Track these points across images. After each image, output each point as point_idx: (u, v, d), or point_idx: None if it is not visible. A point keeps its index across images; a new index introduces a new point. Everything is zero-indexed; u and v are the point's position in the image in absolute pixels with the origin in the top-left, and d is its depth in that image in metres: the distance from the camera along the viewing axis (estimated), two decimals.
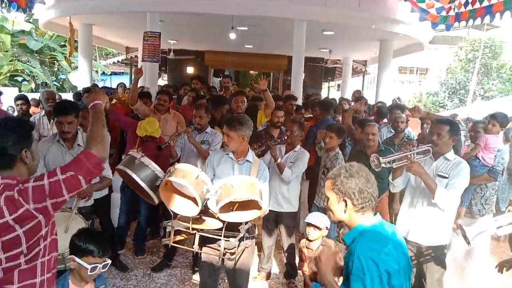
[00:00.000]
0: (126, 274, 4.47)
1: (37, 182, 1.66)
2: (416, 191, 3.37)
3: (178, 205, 2.82)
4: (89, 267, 2.22)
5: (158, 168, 2.77)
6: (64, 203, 1.75)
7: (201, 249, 3.05)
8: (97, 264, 2.25)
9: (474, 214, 4.60)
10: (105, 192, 4.16)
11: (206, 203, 2.80)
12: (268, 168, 4.37)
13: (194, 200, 2.67)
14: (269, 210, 4.36)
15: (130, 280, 4.36)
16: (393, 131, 5.59)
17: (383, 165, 3.14)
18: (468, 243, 2.38)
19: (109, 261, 2.34)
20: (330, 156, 4.49)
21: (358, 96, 8.10)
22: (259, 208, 2.71)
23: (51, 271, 1.84)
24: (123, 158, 3.08)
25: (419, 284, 3.41)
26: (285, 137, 4.39)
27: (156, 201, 2.82)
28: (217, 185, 2.70)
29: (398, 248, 1.87)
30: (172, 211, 2.82)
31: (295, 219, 4.58)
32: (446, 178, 3.20)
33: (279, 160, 4.13)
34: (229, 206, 2.76)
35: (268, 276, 4.55)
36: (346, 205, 1.90)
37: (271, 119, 5.01)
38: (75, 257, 2.24)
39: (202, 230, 2.87)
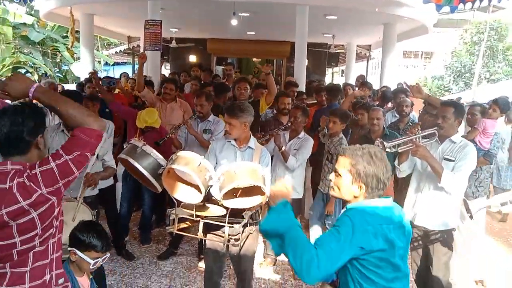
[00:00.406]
0: (132, 262, 4.51)
1: (44, 167, 1.66)
2: (423, 176, 3.34)
3: (181, 193, 2.82)
4: (91, 261, 2.23)
5: (160, 156, 2.76)
6: (75, 179, 1.76)
7: (205, 236, 3.05)
8: (99, 259, 2.26)
9: (468, 196, 4.59)
10: (110, 181, 4.17)
11: (209, 190, 2.80)
12: (272, 156, 4.39)
13: (197, 187, 2.66)
14: None
15: (136, 269, 4.39)
16: (397, 115, 5.55)
17: (388, 149, 3.12)
18: (471, 216, 2.34)
19: (108, 255, 2.35)
20: (334, 142, 4.46)
21: (362, 81, 8.03)
22: (263, 193, 2.70)
23: (60, 250, 1.86)
24: (124, 147, 3.08)
25: (425, 268, 3.41)
26: (289, 124, 4.36)
27: (159, 189, 2.82)
28: (219, 172, 2.69)
29: (400, 228, 1.85)
30: (175, 198, 2.82)
31: (300, 206, 4.58)
32: (453, 161, 3.17)
33: (283, 148, 4.11)
34: (233, 193, 2.76)
35: (274, 262, 4.57)
36: (360, 189, 1.85)
37: (278, 106, 4.93)
38: (77, 251, 2.24)
39: (206, 217, 2.87)
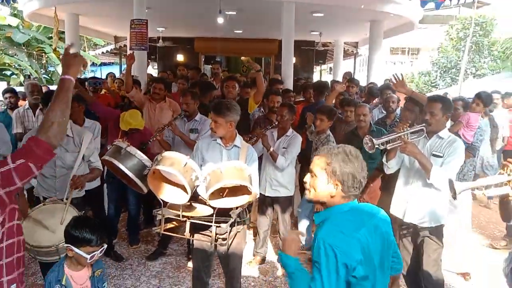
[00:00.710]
0: (121, 263, 4.48)
1: None
2: (411, 172, 3.33)
3: (167, 194, 2.80)
4: (88, 256, 2.22)
5: (145, 157, 2.73)
6: (18, 191, 1.72)
7: (192, 236, 3.04)
8: (95, 252, 2.24)
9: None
10: (96, 183, 4.13)
11: (196, 190, 2.78)
12: (262, 156, 4.39)
13: (183, 187, 2.64)
14: (265, 196, 4.39)
15: (125, 270, 4.36)
16: (384, 111, 5.57)
17: (376, 146, 3.13)
18: (454, 196, 2.31)
19: (105, 246, 2.33)
20: (321, 139, 4.47)
21: (349, 78, 8.06)
22: (249, 193, 2.69)
23: (12, 256, 1.81)
24: (108, 148, 3.04)
25: (416, 265, 3.40)
26: (276, 122, 4.36)
27: (145, 191, 2.80)
28: (205, 172, 2.68)
29: (374, 231, 1.82)
30: (161, 199, 2.80)
31: (291, 203, 4.58)
32: (441, 157, 3.16)
33: (271, 149, 4.11)
34: (219, 192, 2.75)
35: (263, 261, 4.57)
36: (336, 187, 1.83)
37: (269, 105, 4.93)
38: (73, 247, 2.23)
39: (192, 217, 2.85)
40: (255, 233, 5.10)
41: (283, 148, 4.24)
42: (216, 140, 3.13)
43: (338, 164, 1.81)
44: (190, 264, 4.39)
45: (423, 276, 3.32)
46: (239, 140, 3.16)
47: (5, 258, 1.77)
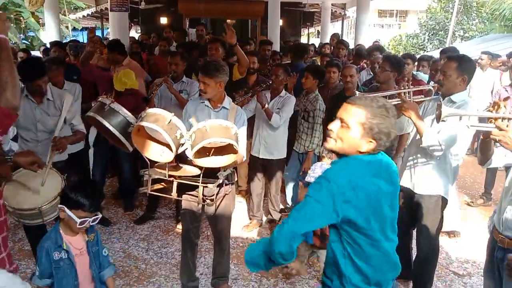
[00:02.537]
0: (109, 228, 4.48)
1: None
2: (414, 138, 3.10)
3: (152, 152, 2.73)
4: (78, 220, 2.18)
5: (129, 114, 2.65)
6: None
7: (180, 197, 3.02)
8: (87, 219, 2.21)
9: None
10: (80, 146, 4.06)
11: (184, 151, 2.73)
12: (255, 116, 4.34)
13: (168, 146, 2.60)
14: (259, 158, 4.38)
15: (113, 234, 4.37)
16: (372, 73, 5.53)
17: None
18: (438, 119, 2.23)
19: (100, 215, 2.29)
20: (310, 99, 4.44)
21: (338, 40, 7.95)
22: (235, 152, 2.65)
23: None
24: (92, 105, 2.96)
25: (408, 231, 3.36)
26: (270, 82, 4.30)
27: (130, 149, 2.73)
28: (191, 130, 2.62)
29: (391, 183, 1.77)
30: (147, 158, 2.76)
31: (283, 166, 4.58)
32: (444, 121, 2.84)
33: (266, 106, 4.06)
34: (205, 152, 2.71)
35: (260, 224, 4.61)
36: (368, 145, 1.71)
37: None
38: (65, 208, 2.19)
39: (179, 177, 2.82)
40: (246, 197, 5.14)
41: (277, 108, 4.21)
42: (204, 102, 3.06)
43: (378, 121, 1.68)
44: (179, 227, 4.42)
45: (419, 242, 3.22)
46: (227, 101, 3.09)
47: None
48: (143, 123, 2.53)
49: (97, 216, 2.26)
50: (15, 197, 2.60)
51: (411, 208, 3.22)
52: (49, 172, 2.81)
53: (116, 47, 5.18)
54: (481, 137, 2.35)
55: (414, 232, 3.42)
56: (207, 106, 3.05)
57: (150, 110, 2.62)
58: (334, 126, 1.76)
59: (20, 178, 2.71)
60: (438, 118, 2.22)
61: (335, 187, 1.63)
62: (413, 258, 3.38)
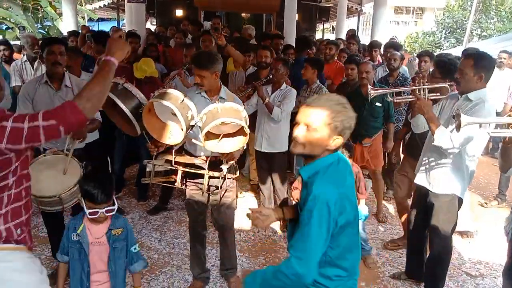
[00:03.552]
0: None
1: (17, 124, 1.61)
2: (430, 136, 3.06)
3: (161, 134, 2.70)
4: (87, 211, 2.23)
5: (141, 94, 2.60)
6: (38, 146, 1.73)
7: (184, 186, 3.04)
8: (97, 210, 2.23)
9: None
10: (96, 136, 4.10)
11: (190, 130, 2.71)
12: (257, 110, 4.35)
13: (177, 128, 2.58)
14: (262, 152, 4.39)
15: None
16: (388, 70, 5.48)
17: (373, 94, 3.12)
18: (458, 129, 2.20)
19: (115, 206, 2.31)
20: (313, 89, 4.51)
21: (350, 34, 7.89)
22: (245, 134, 2.61)
23: (21, 201, 1.83)
24: None
25: (422, 228, 3.31)
26: (270, 76, 4.30)
27: (139, 132, 2.70)
28: (202, 112, 2.60)
29: (350, 173, 1.87)
30: (154, 144, 2.76)
31: (286, 159, 4.59)
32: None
33: (266, 100, 4.07)
34: (214, 137, 2.67)
35: None
36: (334, 142, 1.76)
37: (258, 59, 4.79)
38: (82, 199, 2.26)
39: (185, 165, 2.84)
40: (255, 190, 5.16)
41: (278, 101, 4.21)
42: (200, 93, 3.04)
43: (341, 118, 1.74)
44: None
45: (432, 239, 3.20)
46: (224, 91, 3.08)
47: (12, 203, 1.79)
48: (157, 100, 2.50)
49: (110, 208, 2.27)
50: (35, 184, 2.64)
51: (425, 210, 3.20)
52: (70, 161, 2.85)
53: (101, 39, 5.23)
54: (502, 143, 2.32)
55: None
56: (204, 97, 3.04)
57: (163, 90, 2.60)
58: (299, 131, 1.79)
59: (40, 165, 2.75)
60: (458, 128, 2.19)
61: (332, 205, 1.67)
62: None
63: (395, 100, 3.14)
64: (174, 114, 2.48)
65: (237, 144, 2.69)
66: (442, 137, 2.76)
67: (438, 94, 3.09)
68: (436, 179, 3.06)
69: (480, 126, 2.70)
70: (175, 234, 4.24)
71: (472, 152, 2.93)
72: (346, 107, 1.77)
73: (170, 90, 2.60)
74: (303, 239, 1.70)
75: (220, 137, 2.68)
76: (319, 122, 1.74)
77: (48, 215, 3.12)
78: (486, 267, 3.90)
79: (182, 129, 2.51)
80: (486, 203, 5.36)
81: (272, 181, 4.51)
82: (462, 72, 2.87)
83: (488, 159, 7.08)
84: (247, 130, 2.58)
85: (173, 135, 2.68)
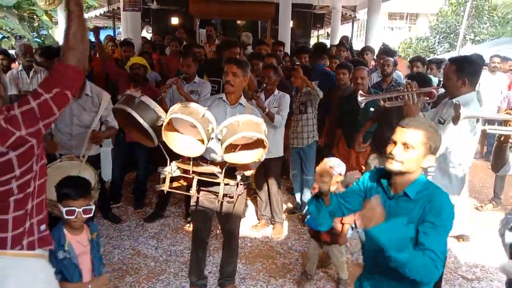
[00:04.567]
0: (119, 225, 4.53)
1: (24, 107, 1.59)
2: None
3: (179, 146, 2.70)
4: (63, 209, 2.19)
5: (159, 107, 2.62)
6: (55, 121, 1.72)
7: (198, 194, 3.05)
8: (74, 208, 2.20)
9: None
10: (98, 149, 4.12)
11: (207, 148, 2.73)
12: None
13: (196, 140, 2.60)
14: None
15: (123, 231, 4.42)
16: (382, 75, 5.53)
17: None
18: (455, 122, 2.21)
19: (92, 206, 2.28)
20: (304, 93, 4.56)
21: (340, 42, 7.96)
22: (264, 147, 2.65)
23: (42, 195, 1.81)
24: (118, 98, 2.98)
25: None
26: (264, 85, 4.32)
27: (156, 143, 2.72)
28: (222, 124, 2.61)
29: None
30: (169, 154, 2.77)
31: (281, 164, 4.60)
32: (442, 123, 2.84)
33: (267, 109, 4.09)
34: (232, 148, 2.68)
35: (269, 224, 4.64)
36: (429, 162, 1.90)
37: (262, 80, 4.79)
38: (58, 205, 2.22)
39: (200, 174, 2.85)
40: (253, 197, 5.17)
41: (274, 107, 4.23)
42: (221, 97, 3.06)
43: (435, 138, 1.88)
44: (188, 226, 4.47)
45: None
46: (243, 99, 3.12)
47: (36, 198, 1.77)
48: (179, 116, 2.50)
49: (88, 207, 2.24)
50: (49, 188, 2.65)
51: None
52: (84, 167, 2.88)
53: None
54: (496, 141, 2.34)
55: None
56: (224, 100, 3.04)
57: (184, 103, 2.62)
58: (397, 150, 1.88)
59: (55, 171, 2.75)
60: (457, 119, 2.21)
61: (453, 216, 1.86)
62: None
63: (386, 105, 3.17)
64: (194, 126, 2.50)
65: (255, 155, 2.72)
66: None
67: (427, 98, 3.15)
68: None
69: (478, 121, 2.73)
70: (171, 241, 4.24)
71: (457, 161, 2.87)
72: (436, 128, 1.92)
73: (191, 104, 2.62)
74: (439, 239, 1.79)
75: (238, 148, 2.70)
76: (417, 141, 1.87)
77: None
78: (482, 270, 3.92)
79: (203, 143, 2.55)
80: (481, 206, 5.39)
81: (268, 186, 4.52)
82: (447, 77, 2.94)
83: (483, 163, 7.12)
84: (267, 143, 2.61)
85: (191, 146, 2.69)
